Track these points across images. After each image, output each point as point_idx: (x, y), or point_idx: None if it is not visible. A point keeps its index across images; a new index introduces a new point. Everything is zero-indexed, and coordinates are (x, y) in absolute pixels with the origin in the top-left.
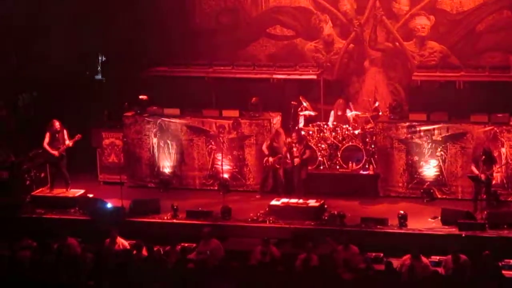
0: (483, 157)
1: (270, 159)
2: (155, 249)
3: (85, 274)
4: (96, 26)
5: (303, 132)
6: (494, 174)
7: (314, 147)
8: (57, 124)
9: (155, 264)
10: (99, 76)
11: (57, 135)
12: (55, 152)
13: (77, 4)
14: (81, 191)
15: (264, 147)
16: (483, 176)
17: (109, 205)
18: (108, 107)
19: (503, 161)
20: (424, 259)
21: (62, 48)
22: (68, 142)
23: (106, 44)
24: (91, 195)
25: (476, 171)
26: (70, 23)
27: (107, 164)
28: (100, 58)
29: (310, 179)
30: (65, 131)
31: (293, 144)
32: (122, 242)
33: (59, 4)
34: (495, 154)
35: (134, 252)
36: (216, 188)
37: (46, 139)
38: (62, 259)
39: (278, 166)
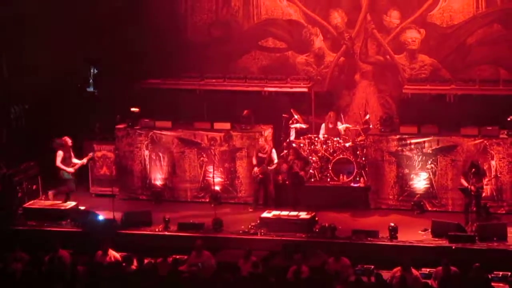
0: (473, 170)
1: (256, 169)
2: (146, 261)
3: (77, 286)
4: (89, 38)
5: (294, 144)
6: (484, 187)
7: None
8: (69, 141)
9: (146, 276)
10: (91, 89)
11: (70, 152)
12: (71, 170)
13: (69, 16)
14: (73, 203)
15: (253, 159)
16: (472, 189)
17: (100, 217)
18: (100, 120)
19: (493, 174)
20: (414, 271)
21: (53, 60)
22: (84, 160)
23: (98, 56)
24: (83, 207)
25: (465, 184)
26: (63, 34)
27: (98, 177)
28: (92, 70)
29: (302, 192)
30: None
31: (294, 161)
32: (114, 254)
33: (51, 15)
34: (485, 167)
35: (125, 264)
36: (207, 200)
37: (59, 158)
38: (54, 271)
39: (261, 176)
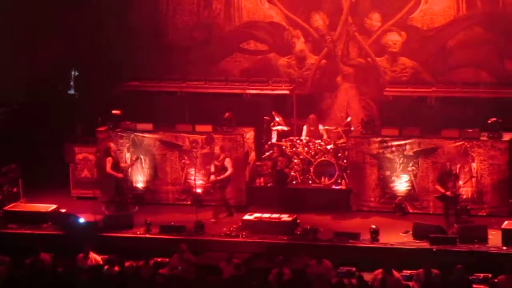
0: (446, 175)
1: (212, 177)
2: (127, 264)
3: None
4: (69, 40)
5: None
6: (463, 189)
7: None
8: (113, 146)
9: (128, 279)
10: (72, 91)
11: (117, 158)
12: (121, 175)
13: (52, 18)
14: (54, 206)
15: (212, 167)
16: (449, 193)
17: (82, 220)
18: (81, 122)
19: (474, 176)
20: (396, 273)
21: (34, 62)
22: (129, 163)
23: (79, 59)
24: (64, 210)
25: (441, 190)
26: (44, 36)
27: (80, 179)
28: (73, 72)
29: (283, 194)
30: None
31: (278, 158)
32: (95, 257)
33: (32, 16)
34: (466, 169)
35: (106, 267)
36: (189, 203)
37: (109, 165)
38: (35, 274)
39: (218, 184)
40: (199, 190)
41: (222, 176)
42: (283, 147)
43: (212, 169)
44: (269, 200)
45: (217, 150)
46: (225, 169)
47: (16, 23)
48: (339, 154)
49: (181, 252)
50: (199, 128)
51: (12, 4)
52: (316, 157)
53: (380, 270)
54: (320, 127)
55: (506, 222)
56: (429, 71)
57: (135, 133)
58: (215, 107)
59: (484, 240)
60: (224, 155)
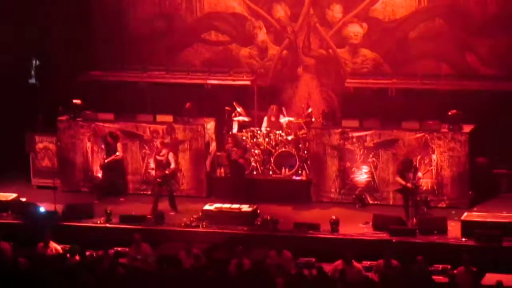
0: (405, 166)
1: (153, 173)
2: (87, 253)
3: (19, 278)
4: (30, 30)
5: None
6: (423, 181)
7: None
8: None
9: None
10: (33, 80)
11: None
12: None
13: (8, 4)
14: (14, 195)
15: (151, 162)
16: (409, 185)
17: (42, 209)
18: (42, 112)
19: (433, 168)
20: (356, 264)
21: None
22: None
23: (40, 48)
24: (24, 199)
25: (402, 182)
26: (2, 24)
27: (40, 169)
28: (34, 62)
29: (247, 185)
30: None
31: (232, 149)
32: (55, 247)
33: None
34: (426, 161)
35: (69, 256)
36: (149, 193)
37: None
38: None
39: (159, 180)
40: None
41: (169, 171)
42: (240, 138)
43: (152, 164)
44: (229, 191)
45: (158, 144)
46: (168, 164)
47: None
48: (300, 145)
49: (137, 242)
50: (160, 118)
51: None
52: (277, 148)
53: (340, 261)
54: (281, 118)
55: (465, 214)
56: (390, 63)
57: (96, 123)
58: (176, 97)
59: (444, 231)
60: (167, 150)
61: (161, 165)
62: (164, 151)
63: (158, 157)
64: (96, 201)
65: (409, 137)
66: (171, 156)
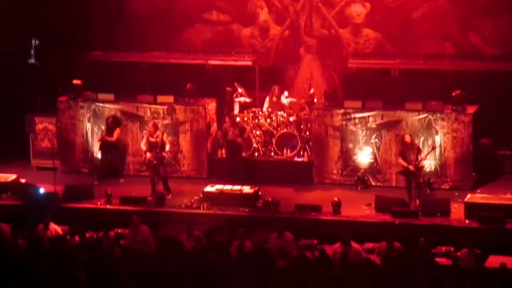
0: (407, 148)
1: (148, 154)
2: (87, 235)
3: (18, 259)
4: (30, 9)
5: (238, 119)
6: (426, 162)
7: (249, 132)
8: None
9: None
10: (32, 60)
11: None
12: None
13: None
14: (13, 176)
15: (142, 144)
16: (411, 168)
17: (41, 191)
18: (42, 92)
19: (435, 147)
20: (355, 244)
21: None
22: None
23: (40, 28)
24: (23, 180)
25: (404, 163)
26: (1, 4)
27: (40, 150)
28: (34, 41)
29: (245, 166)
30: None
31: (228, 128)
32: (55, 228)
33: None
34: (429, 142)
35: (68, 237)
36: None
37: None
38: None
39: (155, 162)
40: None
41: (166, 152)
42: (237, 119)
43: (144, 147)
44: (226, 171)
45: (150, 127)
46: (163, 145)
47: None
48: (302, 126)
49: (135, 224)
50: (160, 99)
51: None
52: (279, 129)
53: (339, 244)
54: (283, 98)
55: (468, 196)
56: (393, 43)
57: (96, 104)
58: (176, 78)
59: (447, 213)
60: (161, 131)
61: (156, 147)
62: (157, 133)
63: (151, 139)
64: (96, 182)
65: (412, 118)
66: (165, 137)
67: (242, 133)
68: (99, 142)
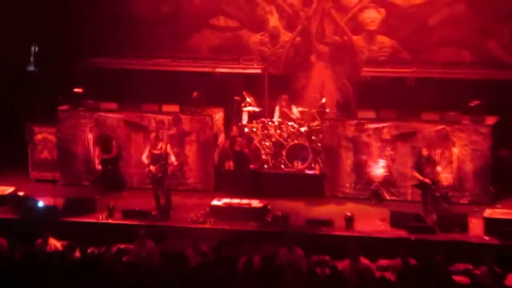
0: (423, 160)
1: (152, 167)
2: (88, 251)
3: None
4: (29, 14)
5: (246, 129)
6: (443, 176)
7: (257, 144)
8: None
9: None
10: (32, 68)
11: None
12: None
13: None
14: (11, 189)
15: (144, 157)
16: (427, 181)
17: (41, 204)
18: (41, 101)
19: (454, 161)
20: (365, 260)
21: None
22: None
23: (40, 33)
24: (22, 193)
25: (419, 177)
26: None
27: (39, 161)
28: (33, 48)
29: (253, 178)
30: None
31: (235, 138)
32: (55, 243)
33: None
34: (446, 154)
35: (67, 253)
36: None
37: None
38: None
39: (160, 175)
40: None
41: (175, 162)
42: (246, 129)
43: (145, 160)
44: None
45: (152, 139)
46: (167, 157)
47: None
48: (313, 137)
49: (142, 238)
50: (165, 108)
51: None
52: (289, 140)
53: (347, 261)
54: (294, 108)
55: (488, 211)
56: (409, 50)
57: (98, 113)
58: (182, 86)
59: (465, 229)
60: (164, 142)
61: (160, 158)
62: (160, 144)
63: (155, 151)
64: (98, 196)
65: (429, 129)
66: (169, 149)
67: (249, 143)
68: (99, 160)
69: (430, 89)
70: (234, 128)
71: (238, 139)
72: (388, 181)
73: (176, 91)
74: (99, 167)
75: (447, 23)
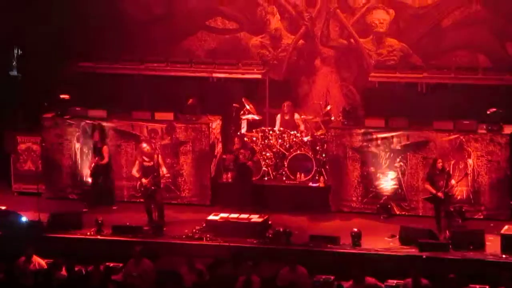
0: (436, 172)
1: (143, 180)
2: (76, 269)
3: None
4: (11, 15)
5: (246, 139)
6: (457, 189)
7: (258, 154)
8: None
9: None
10: (14, 72)
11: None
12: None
13: None
14: None
15: (134, 171)
16: (440, 194)
17: (24, 219)
18: (25, 107)
19: (468, 173)
20: (371, 280)
21: None
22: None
23: (23, 36)
24: (3, 207)
25: (432, 190)
26: None
27: (22, 172)
28: (16, 51)
29: (253, 191)
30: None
31: (239, 151)
32: (39, 261)
33: None
34: (461, 166)
35: (52, 272)
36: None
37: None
38: None
39: (153, 188)
40: None
41: (166, 173)
42: (245, 139)
43: (136, 173)
44: (235, 198)
45: (143, 150)
46: (159, 169)
47: None
48: (317, 147)
49: (137, 256)
50: (158, 116)
51: None
52: (291, 150)
53: (351, 282)
54: (296, 116)
55: (506, 227)
56: (420, 54)
57: (86, 121)
58: (177, 92)
59: (481, 246)
60: (156, 153)
61: (153, 170)
62: (151, 156)
63: (146, 164)
64: (86, 210)
65: (442, 139)
66: (161, 160)
67: (252, 155)
68: (91, 169)
69: (442, 95)
70: (237, 139)
71: (242, 151)
72: (398, 195)
73: (170, 97)
74: (88, 179)
75: (461, 25)
